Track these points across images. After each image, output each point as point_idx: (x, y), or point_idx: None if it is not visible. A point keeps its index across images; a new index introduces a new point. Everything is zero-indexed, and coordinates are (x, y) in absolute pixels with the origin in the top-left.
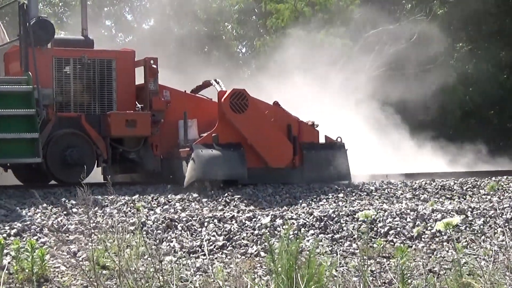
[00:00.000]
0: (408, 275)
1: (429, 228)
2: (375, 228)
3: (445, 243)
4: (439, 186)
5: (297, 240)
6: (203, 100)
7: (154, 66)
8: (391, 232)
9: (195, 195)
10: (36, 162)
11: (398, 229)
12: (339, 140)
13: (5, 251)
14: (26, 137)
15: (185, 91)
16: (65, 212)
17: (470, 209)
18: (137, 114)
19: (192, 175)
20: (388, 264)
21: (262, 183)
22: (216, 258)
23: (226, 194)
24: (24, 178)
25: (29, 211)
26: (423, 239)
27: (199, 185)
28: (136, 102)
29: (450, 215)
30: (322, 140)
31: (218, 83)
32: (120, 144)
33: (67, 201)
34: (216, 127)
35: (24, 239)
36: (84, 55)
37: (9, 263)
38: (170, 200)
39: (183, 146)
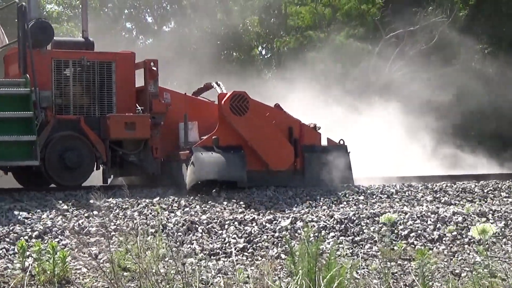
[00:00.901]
0: (430, 277)
1: (449, 230)
2: (395, 231)
3: (466, 246)
4: (460, 189)
5: (317, 242)
6: (204, 102)
7: (154, 68)
8: (412, 234)
9: (219, 198)
10: (33, 164)
11: (419, 231)
12: (341, 142)
13: (27, 253)
14: (24, 140)
15: (185, 93)
16: (86, 214)
17: (491, 211)
18: (136, 116)
19: (192, 178)
20: (409, 266)
21: (263, 186)
22: (236, 260)
23: (242, 197)
24: (24, 181)
25: (50, 213)
26: (444, 242)
27: (200, 188)
28: (137, 105)
29: (471, 217)
30: (324, 142)
31: (219, 85)
32: (120, 146)
33: (88, 203)
34: (217, 130)
35: (45, 241)
36: (84, 57)
37: (31, 265)
38: (191, 203)
39: (183, 148)
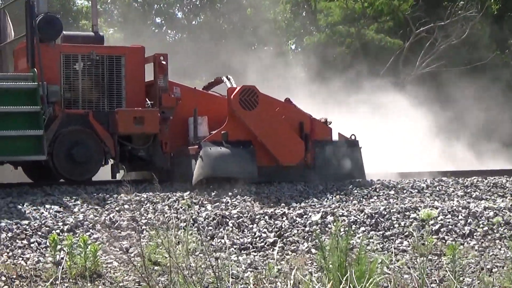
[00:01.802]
0: (461, 272)
1: (480, 225)
2: (426, 226)
3: (497, 241)
4: (491, 184)
5: (347, 237)
6: (215, 97)
7: (164, 63)
8: (442, 229)
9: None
10: (40, 159)
11: (450, 226)
12: (352, 137)
13: (58, 246)
14: (31, 134)
15: (195, 88)
16: (117, 209)
17: None
18: (145, 111)
19: (200, 173)
20: (440, 261)
21: (272, 181)
22: (267, 255)
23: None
24: (33, 176)
25: (82, 207)
26: (475, 237)
27: (207, 183)
28: (147, 99)
29: (502, 213)
30: (335, 137)
31: (229, 79)
32: (129, 141)
33: (119, 197)
34: (226, 124)
35: (77, 235)
36: (93, 51)
37: (62, 258)
38: (221, 197)
39: (192, 143)
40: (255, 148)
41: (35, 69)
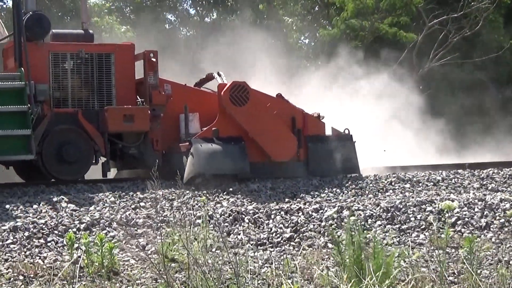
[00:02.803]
0: (478, 265)
1: (497, 218)
2: (442, 218)
3: None
4: (507, 175)
5: (363, 232)
6: (206, 93)
7: (154, 60)
8: (459, 222)
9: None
10: (28, 159)
11: (466, 219)
12: (346, 132)
13: (75, 245)
14: (19, 134)
15: (185, 84)
16: (133, 206)
17: None
18: (134, 109)
19: (191, 170)
20: (457, 254)
21: (265, 177)
22: (283, 250)
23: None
24: (25, 175)
25: (98, 206)
26: (491, 229)
27: (199, 180)
28: (138, 97)
29: None
30: (329, 132)
31: (220, 75)
32: (120, 139)
33: (135, 195)
34: (217, 121)
35: (93, 233)
36: (82, 50)
37: (79, 257)
38: (237, 193)
39: (184, 140)
40: (247, 144)
41: (22, 68)
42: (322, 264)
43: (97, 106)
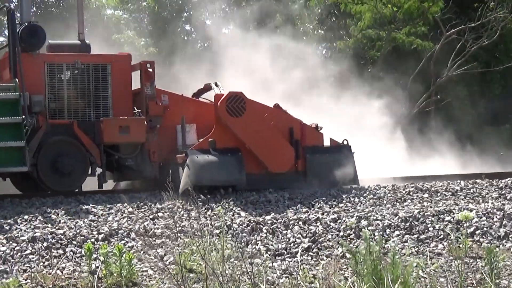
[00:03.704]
0: (497, 274)
1: None
2: (461, 228)
3: None
4: None
5: (380, 242)
6: (204, 104)
7: (150, 70)
8: (477, 232)
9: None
10: (22, 171)
11: (485, 229)
12: (345, 142)
13: (93, 255)
14: (12, 146)
15: (182, 94)
16: (151, 217)
17: None
18: (130, 119)
19: (186, 181)
20: (476, 264)
21: (262, 188)
22: (301, 261)
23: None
24: (21, 187)
25: (116, 216)
26: (510, 239)
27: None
28: (135, 107)
29: None
30: (327, 143)
31: (217, 86)
32: (116, 151)
33: (153, 205)
34: (213, 132)
35: (112, 244)
36: (78, 60)
37: (97, 267)
38: (255, 203)
39: (180, 152)
40: (244, 156)
41: (17, 79)
42: (340, 275)
43: (94, 117)
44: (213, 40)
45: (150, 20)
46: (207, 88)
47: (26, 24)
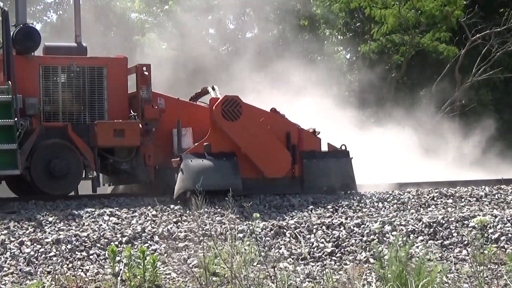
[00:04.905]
0: None
1: None
2: (485, 234)
3: None
4: None
5: (409, 247)
6: (201, 107)
7: (146, 73)
8: (502, 238)
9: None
10: (14, 174)
11: (510, 235)
12: (343, 148)
13: (117, 258)
14: (4, 149)
15: (178, 98)
16: (175, 220)
17: None
18: (125, 123)
19: (181, 186)
20: (500, 270)
21: (258, 193)
22: (325, 265)
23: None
24: (18, 190)
25: (140, 219)
26: None
27: (189, 197)
28: (131, 111)
29: None
30: (325, 148)
31: (214, 90)
32: (111, 154)
33: (176, 208)
34: (208, 136)
35: (135, 247)
36: (73, 63)
37: (121, 270)
38: (278, 207)
39: (176, 156)
40: (239, 160)
41: (10, 82)
42: (363, 279)
43: (89, 120)
44: (236, 44)
45: (174, 23)
46: (205, 91)
47: (22, 26)
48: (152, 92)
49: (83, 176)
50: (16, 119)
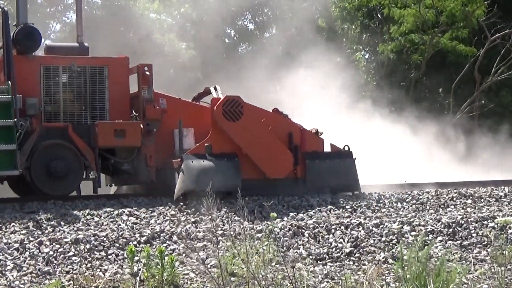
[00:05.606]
0: None
1: None
2: (505, 235)
3: None
4: None
5: (429, 248)
6: (203, 108)
7: (148, 73)
8: None
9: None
10: (13, 174)
11: None
12: (346, 148)
13: (136, 258)
14: (3, 149)
15: (179, 98)
16: (193, 220)
17: None
18: (126, 123)
19: (181, 187)
20: None
21: (260, 194)
22: (343, 265)
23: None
24: (19, 190)
25: (158, 219)
26: None
27: (189, 198)
28: (133, 111)
29: None
30: (328, 149)
31: (216, 90)
32: (112, 154)
33: (194, 208)
34: (209, 136)
35: (154, 246)
36: (74, 63)
37: (140, 270)
38: (297, 207)
39: (177, 156)
40: (241, 161)
41: (9, 82)
42: (382, 280)
43: (90, 121)
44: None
45: (193, 24)
46: (207, 92)
47: (22, 25)
48: (153, 92)
49: (84, 176)
50: (15, 119)
